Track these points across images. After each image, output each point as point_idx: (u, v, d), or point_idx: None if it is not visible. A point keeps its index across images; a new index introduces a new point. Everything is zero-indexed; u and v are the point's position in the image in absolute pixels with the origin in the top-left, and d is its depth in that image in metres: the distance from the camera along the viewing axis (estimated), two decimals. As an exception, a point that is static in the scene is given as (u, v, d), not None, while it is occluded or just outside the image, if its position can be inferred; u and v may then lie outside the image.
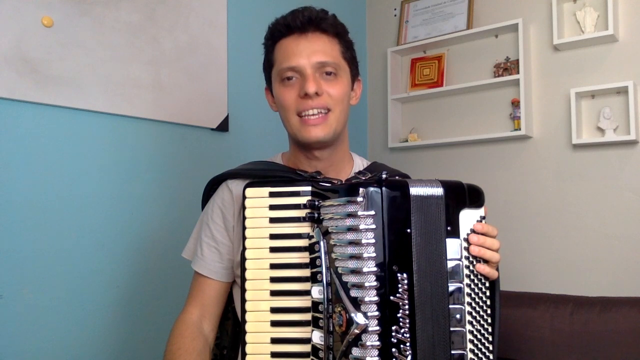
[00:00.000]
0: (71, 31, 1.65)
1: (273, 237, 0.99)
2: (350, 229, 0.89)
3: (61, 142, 1.64)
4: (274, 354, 0.96)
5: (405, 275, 0.89)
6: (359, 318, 0.87)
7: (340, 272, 0.90)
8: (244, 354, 0.97)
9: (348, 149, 1.24)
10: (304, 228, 0.98)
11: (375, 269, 0.88)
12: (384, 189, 0.90)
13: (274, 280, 0.98)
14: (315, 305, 0.94)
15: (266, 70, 1.18)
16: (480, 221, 0.98)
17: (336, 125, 1.11)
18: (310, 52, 1.08)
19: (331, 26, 1.11)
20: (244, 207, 1.00)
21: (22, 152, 1.55)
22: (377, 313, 0.87)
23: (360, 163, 1.27)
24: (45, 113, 1.60)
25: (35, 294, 1.55)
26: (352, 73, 1.17)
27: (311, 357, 0.94)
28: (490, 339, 0.96)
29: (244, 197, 1.00)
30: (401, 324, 0.87)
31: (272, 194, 1.00)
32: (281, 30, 1.11)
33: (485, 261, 0.97)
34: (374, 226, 0.89)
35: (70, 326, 1.63)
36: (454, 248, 0.94)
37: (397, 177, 0.99)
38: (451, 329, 0.91)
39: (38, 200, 1.57)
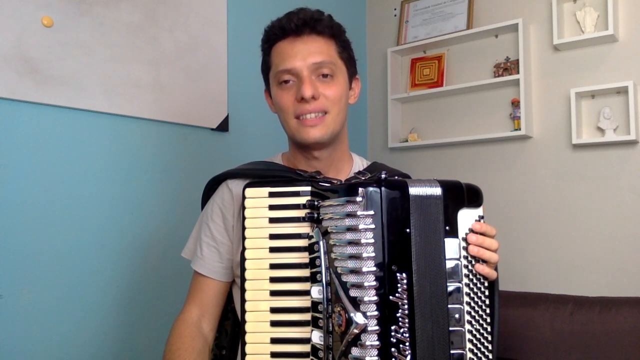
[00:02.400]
0: (71, 31, 1.65)
1: (273, 237, 0.99)
2: (350, 229, 0.89)
3: (61, 142, 1.64)
4: (273, 354, 0.96)
5: (404, 275, 0.89)
6: (358, 318, 0.87)
7: (339, 271, 0.90)
8: (244, 354, 0.97)
9: (348, 148, 1.25)
10: (304, 228, 0.98)
11: (374, 268, 0.88)
12: (383, 188, 0.90)
13: (273, 280, 0.98)
14: (314, 305, 0.94)
15: (264, 72, 1.19)
16: (479, 221, 0.98)
17: (334, 126, 1.12)
18: (306, 53, 1.09)
19: (326, 27, 1.11)
20: (243, 207, 1.00)
21: (22, 152, 1.55)
22: (376, 313, 0.87)
23: (360, 163, 1.27)
24: (45, 113, 1.60)
25: (35, 294, 1.55)
26: (350, 72, 1.18)
27: (311, 357, 0.94)
28: (490, 338, 0.96)
29: (244, 197, 1.00)
30: (400, 323, 0.87)
31: (271, 194, 1.00)
32: (277, 33, 1.11)
33: (484, 261, 0.98)
34: (373, 226, 0.89)
35: (70, 326, 1.63)
36: (452, 248, 0.94)
37: (396, 177, 0.99)
38: (450, 328, 0.91)
39: (38, 200, 1.57)
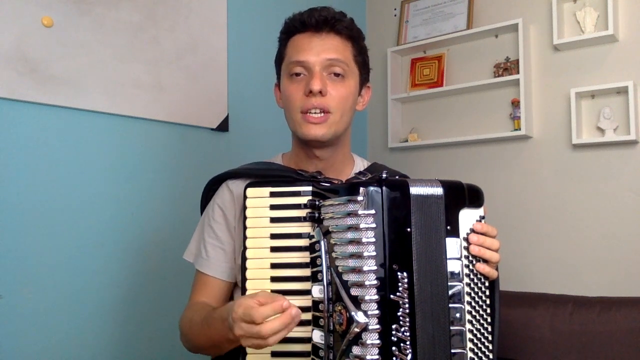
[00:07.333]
0: (71, 31, 1.65)
1: (274, 236, 0.99)
2: (351, 228, 0.89)
3: (61, 142, 1.64)
4: (274, 354, 0.96)
5: (405, 274, 0.89)
6: (359, 317, 0.87)
7: (340, 271, 0.90)
8: (245, 353, 0.97)
9: (350, 151, 1.25)
10: (305, 228, 0.98)
11: (375, 267, 0.88)
12: (384, 188, 0.91)
13: (274, 279, 0.98)
14: (315, 304, 0.94)
15: (277, 63, 1.19)
16: (480, 221, 0.98)
17: (336, 127, 1.11)
18: (321, 49, 1.09)
19: (346, 29, 1.12)
20: (244, 207, 1.01)
21: (22, 152, 1.55)
22: (377, 312, 0.87)
23: (361, 164, 1.27)
24: (45, 113, 1.60)
25: (35, 294, 1.55)
26: (362, 78, 1.18)
27: (311, 356, 0.94)
28: (490, 338, 0.96)
29: (245, 197, 1.01)
30: (401, 322, 0.88)
31: (272, 194, 1.01)
32: (296, 26, 1.12)
33: (485, 261, 0.98)
34: (374, 225, 0.89)
35: (71, 326, 1.63)
36: (453, 247, 0.94)
37: (397, 177, 1.00)
38: (451, 328, 0.91)
39: (38, 200, 1.57)
